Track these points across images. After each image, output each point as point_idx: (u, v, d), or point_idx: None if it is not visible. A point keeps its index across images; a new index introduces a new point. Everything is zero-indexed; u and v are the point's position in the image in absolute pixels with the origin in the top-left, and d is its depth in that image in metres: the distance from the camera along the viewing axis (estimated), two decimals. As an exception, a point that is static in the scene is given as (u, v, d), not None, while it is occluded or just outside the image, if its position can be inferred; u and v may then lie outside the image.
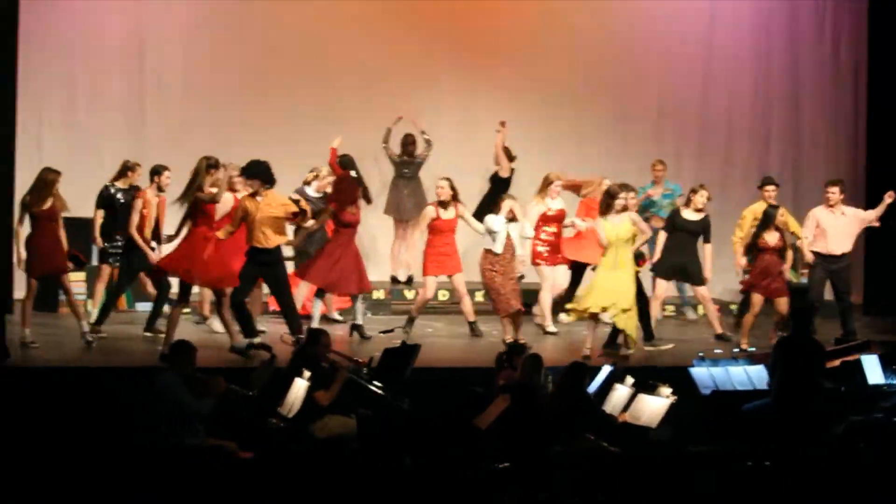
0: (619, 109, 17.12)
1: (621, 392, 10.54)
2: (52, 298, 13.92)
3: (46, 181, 12.22)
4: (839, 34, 17.46)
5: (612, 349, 12.61)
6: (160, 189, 12.97)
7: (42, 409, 10.23)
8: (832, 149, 17.45)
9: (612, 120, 17.10)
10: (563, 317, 14.37)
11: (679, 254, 13.62)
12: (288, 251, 13.68)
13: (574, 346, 12.93)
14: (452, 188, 13.46)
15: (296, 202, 12.36)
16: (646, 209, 15.05)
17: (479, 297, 14.48)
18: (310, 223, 13.17)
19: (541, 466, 9.46)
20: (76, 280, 13.40)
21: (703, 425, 10.55)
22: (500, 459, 9.46)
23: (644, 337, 13.00)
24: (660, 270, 13.70)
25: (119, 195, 13.43)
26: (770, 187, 14.25)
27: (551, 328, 13.95)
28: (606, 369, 10.96)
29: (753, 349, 12.83)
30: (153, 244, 12.82)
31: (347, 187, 13.35)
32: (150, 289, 13.48)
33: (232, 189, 12.74)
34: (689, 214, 13.66)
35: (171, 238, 12.73)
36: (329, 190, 13.84)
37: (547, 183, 14.01)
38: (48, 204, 12.19)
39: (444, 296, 15.14)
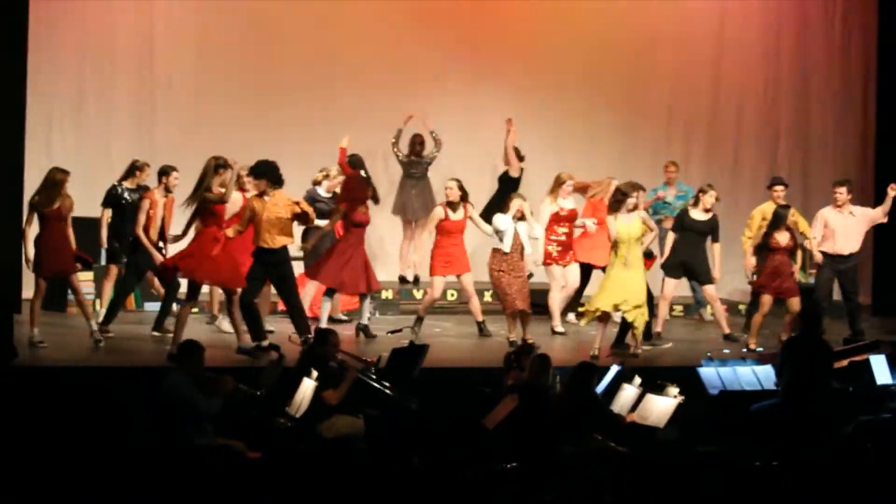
0: (628, 109, 17.12)
1: (629, 392, 10.55)
2: (61, 298, 13.95)
3: (55, 181, 12.23)
4: (849, 34, 17.44)
5: (620, 349, 12.60)
6: (168, 189, 12.98)
7: (50, 409, 10.24)
8: (841, 148, 17.44)
9: (622, 120, 17.09)
10: (571, 316, 14.38)
11: (688, 253, 13.61)
12: (295, 251, 13.71)
13: (582, 346, 12.92)
14: (461, 189, 13.46)
15: (296, 204, 12.32)
16: (658, 210, 15.04)
17: (488, 296, 14.48)
18: (324, 223, 13.17)
19: (549, 467, 9.46)
20: (84, 280, 13.41)
21: (711, 425, 10.55)
22: (508, 459, 9.46)
23: (643, 336, 12.99)
24: (668, 270, 13.70)
25: (126, 195, 13.44)
26: (779, 187, 14.26)
27: (559, 328, 13.94)
28: (614, 369, 10.96)
29: (762, 349, 12.83)
30: (160, 244, 12.82)
31: (358, 187, 13.36)
32: (158, 286, 13.50)
33: (242, 189, 12.77)
34: (697, 214, 13.65)
35: (177, 238, 12.74)
36: (338, 190, 13.83)
37: (559, 183, 14.01)
38: (57, 204, 12.20)
39: (452, 296, 15.15)
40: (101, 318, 12.95)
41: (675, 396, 10.36)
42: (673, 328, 14.34)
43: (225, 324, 13.09)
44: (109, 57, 15.76)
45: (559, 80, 16.82)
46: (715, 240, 13.70)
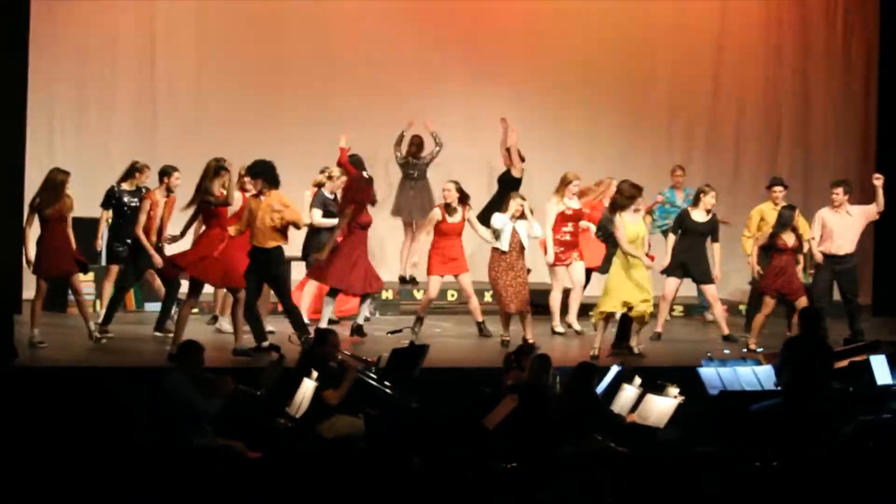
0: (628, 110, 17.13)
1: (629, 392, 10.55)
2: (61, 298, 13.96)
3: (56, 182, 12.23)
4: (849, 33, 17.45)
5: (620, 349, 12.60)
6: (169, 190, 12.97)
7: (50, 409, 10.24)
8: (842, 148, 17.44)
9: (622, 120, 17.10)
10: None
11: (688, 254, 13.61)
12: (294, 251, 13.74)
13: (582, 346, 12.92)
14: (460, 191, 13.45)
15: (278, 212, 12.27)
16: (670, 215, 15.00)
17: (488, 297, 14.48)
18: (329, 222, 13.12)
19: (549, 467, 9.45)
20: (85, 280, 13.41)
21: (711, 426, 10.54)
22: (508, 460, 9.46)
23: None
24: (669, 270, 13.70)
25: (125, 197, 13.45)
26: (778, 188, 14.28)
27: (559, 328, 13.95)
28: (614, 369, 10.96)
29: (762, 349, 12.82)
30: (159, 244, 12.82)
31: (364, 187, 13.32)
32: (159, 286, 13.49)
33: (242, 189, 12.78)
34: (697, 215, 13.66)
35: (174, 238, 12.73)
36: (339, 191, 13.79)
37: (565, 182, 13.99)
38: (58, 205, 12.21)
39: (452, 296, 15.15)
40: (100, 319, 12.95)
41: (676, 397, 10.36)
42: (674, 328, 14.36)
43: (225, 324, 13.10)
44: (110, 58, 15.77)
45: (559, 81, 16.83)
46: (715, 240, 13.71)
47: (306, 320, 13.18)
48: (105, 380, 10.85)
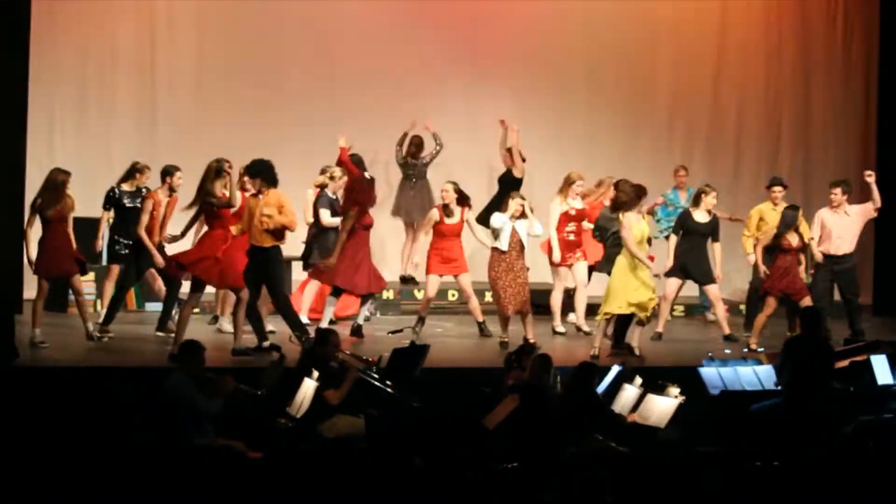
0: (628, 110, 17.13)
1: (630, 392, 10.54)
2: (62, 298, 13.96)
3: (57, 182, 12.23)
4: (850, 33, 17.45)
5: (620, 349, 12.60)
6: (172, 189, 12.97)
7: (51, 409, 10.24)
8: (842, 148, 17.44)
9: (622, 120, 17.10)
10: (571, 316, 14.40)
11: (690, 255, 13.62)
12: (294, 251, 13.75)
13: (584, 346, 12.91)
14: (458, 192, 13.44)
15: (268, 217, 12.26)
16: (671, 217, 15.01)
17: (489, 297, 14.48)
18: (342, 230, 13.08)
19: (550, 467, 9.45)
20: (86, 280, 13.40)
21: (712, 425, 10.54)
22: (509, 460, 9.46)
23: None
24: (672, 271, 13.68)
25: (125, 198, 13.45)
26: (777, 188, 14.29)
27: (560, 328, 13.95)
28: (615, 369, 10.96)
29: (763, 349, 12.83)
30: (161, 244, 12.82)
31: (365, 189, 13.29)
32: (160, 286, 13.49)
33: (242, 188, 12.77)
34: (699, 216, 13.66)
35: (174, 238, 12.71)
36: (341, 192, 13.76)
37: (569, 182, 13.99)
38: (59, 205, 12.21)
39: (453, 296, 15.16)
40: (101, 318, 12.96)
41: (676, 396, 10.35)
42: (675, 328, 14.35)
43: (226, 324, 13.10)
44: (111, 58, 15.78)
45: (559, 81, 16.83)
46: (715, 240, 13.72)
47: (305, 320, 13.18)
48: (105, 380, 10.85)
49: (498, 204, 14.40)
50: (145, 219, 12.67)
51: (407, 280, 15.28)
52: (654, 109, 17.23)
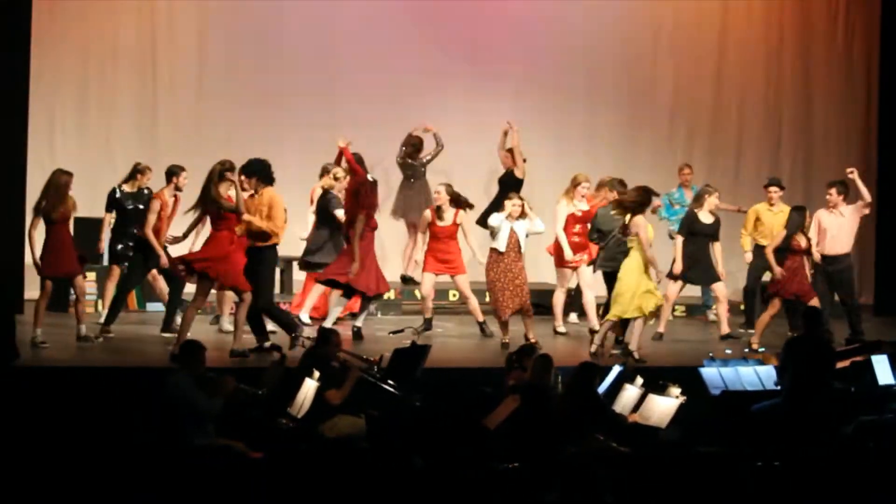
0: (629, 110, 17.12)
1: (631, 392, 10.54)
2: (63, 299, 13.94)
3: (60, 184, 12.21)
4: (851, 33, 17.45)
5: (620, 349, 12.59)
6: (178, 189, 12.96)
7: (52, 409, 10.25)
8: (843, 148, 17.42)
9: (623, 120, 17.10)
10: (573, 316, 14.41)
11: (695, 256, 13.63)
12: (294, 251, 13.74)
13: (584, 346, 12.90)
14: (451, 194, 13.42)
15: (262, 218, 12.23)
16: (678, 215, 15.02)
17: (489, 297, 14.47)
18: (355, 235, 13.04)
19: (550, 467, 9.45)
20: (87, 280, 13.40)
21: (713, 426, 10.54)
22: (510, 460, 9.46)
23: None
24: (682, 273, 13.68)
25: (128, 200, 13.45)
26: (773, 188, 14.30)
27: (561, 328, 13.95)
28: (616, 369, 10.96)
29: (763, 349, 12.83)
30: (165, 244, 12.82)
31: (371, 192, 13.27)
32: (162, 286, 13.49)
33: (243, 189, 12.75)
34: (704, 217, 13.69)
35: (176, 239, 12.68)
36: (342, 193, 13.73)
37: (575, 184, 13.96)
38: (62, 207, 12.21)
39: (454, 296, 15.15)
40: (102, 319, 12.97)
41: (677, 397, 10.35)
42: (676, 328, 14.35)
43: (227, 324, 13.09)
44: (112, 58, 15.78)
45: (560, 81, 16.83)
46: (716, 239, 13.75)
47: (307, 319, 13.19)
48: (105, 380, 10.84)
49: (498, 205, 14.38)
50: (152, 219, 12.65)
51: (407, 280, 15.27)
52: (655, 109, 17.23)
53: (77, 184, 12.49)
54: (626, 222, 12.42)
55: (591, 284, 13.97)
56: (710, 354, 12.01)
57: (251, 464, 9.36)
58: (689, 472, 9.64)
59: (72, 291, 12.66)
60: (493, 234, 13.10)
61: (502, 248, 13.03)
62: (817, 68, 17.44)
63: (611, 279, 12.78)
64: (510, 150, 15.39)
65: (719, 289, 13.80)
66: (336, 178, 13.77)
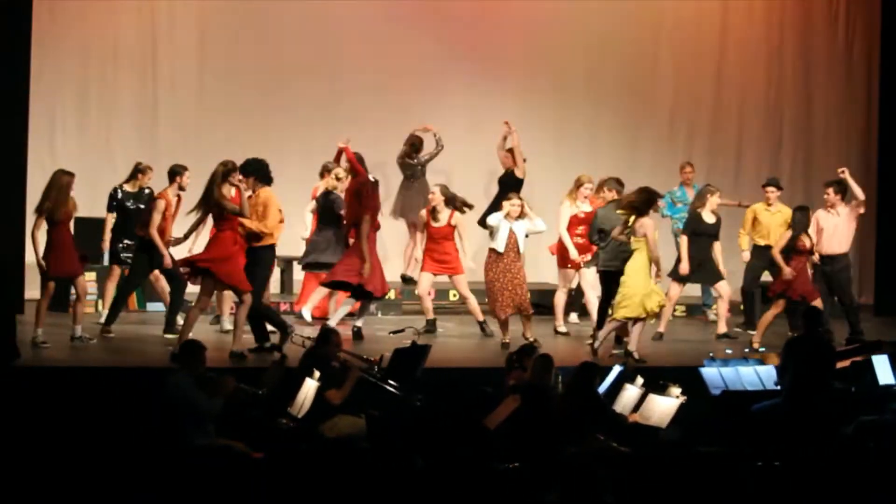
0: (630, 110, 17.12)
1: (631, 392, 10.54)
2: (64, 298, 13.94)
3: (62, 184, 12.20)
4: (852, 33, 17.45)
5: (620, 349, 12.59)
6: (181, 189, 12.96)
7: (52, 409, 10.25)
8: (844, 148, 17.42)
9: (623, 120, 17.10)
10: (573, 317, 14.40)
11: (701, 256, 13.64)
12: (294, 251, 13.73)
13: (585, 346, 12.90)
14: (446, 195, 13.40)
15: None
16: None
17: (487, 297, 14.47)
18: (363, 237, 13.04)
19: (551, 467, 9.45)
20: (88, 280, 13.39)
21: (713, 425, 10.54)
22: (510, 460, 9.46)
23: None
24: (689, 275, 13.69)
25: (129, 200, 13.44)
26: (770, 188, 14.29)
27: (562, 328, 13.94)
28: (617, 369, 10.96)
29: (764, 349, 12.83)
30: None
31: (373, 191, 13.27)
32: (164, 286, 13.49)
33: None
34: (708, 217, 13.72)
35: (178, 241, 12.65)
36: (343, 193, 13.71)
37: (578, 185, 13.95)
38: (66, 207, 12.21)
39: (454, 296, 15.13)
40: (103, 319, 12.97)
41: (678, 397, 10.35)
42: (676, 328, 14.35)
43: (228, 324, 13.08)
44: (112, 58, 15.78)
45: (560, 80, 16.83)
46: (716, 238, 13.79)
47: (309, 317, 13.19)
48: (106, 380, 10.84)
49: (498, 205, 14.36)
50: (157, 219, 12.64)
51: (407, 280, 15.27)
52: (656, 109, 17.23)
53: (77, 184, 12.48)
54: (632, 223, 12.39)
55: (595, 285, 13.92)
56: (711, 354, 12.03)
57: (251, 464, 9.36)
58: (690, 472, 9.63)
59: (72, 291, 12.63)
60: (492, 233, 13.09)
61: (500, 249, 13.02)
62: (818, 68, 17.44)
63: (610, 278, 12.72)
64: (510, 151, 15.37)
65: (723, 288, 13.82)
66: (338, 179, 13.74)
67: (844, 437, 10.32)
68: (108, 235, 13.55)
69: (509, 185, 14.90)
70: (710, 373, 11.08)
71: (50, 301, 12.36)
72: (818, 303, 13.05)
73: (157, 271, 13.13)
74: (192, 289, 12.60)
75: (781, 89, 17.45)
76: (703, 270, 13.72)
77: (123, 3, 15.77)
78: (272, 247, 12.44)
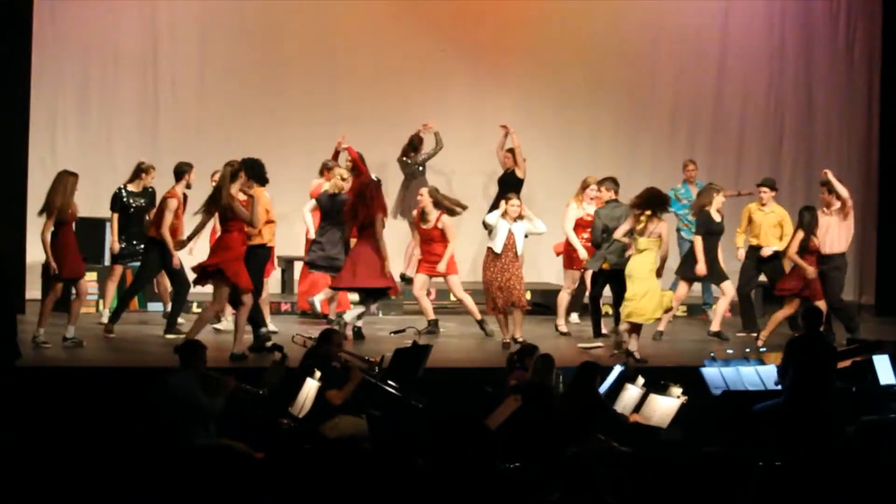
0: (631, 110, 17.10)
1: (632, 392, 10.53)
2: (65, 298, 13.93)
3: (68, 184, 12.19)
4: (853, 33, 17.42)
5: (621, 349, 12.59)
6: (187, 186, 12.96)
7: (53, 409, 10.24)
8: (845, 148, 17.40)
9: (624, 120, 17.08)
10: (574, 317, 14.40)
11: (709, 256, 13.64)
12: (296, 251, 13.72)
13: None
14: (434, 197, 13.36)
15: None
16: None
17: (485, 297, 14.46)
18: (380, 239, 13.07)
19: (552, 467, 9.44)
20: (88, 280, 13.38)
21: (714, 425, 10.54)
22: (512, 460, 9.45)
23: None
24: (688, 272, 13.69)
25: (133, 200, 13.44)
26: (764, 188, 14.23)
27: (564, 328, 13.93)
28: (618, 369, 10.96)
29: (764, 349, 12.82)
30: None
31: (378, 190, 13.27)
32: (166, 285, 13.48)
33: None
34: (716, 216, 13.71)
35: (182, 244, 12.60)
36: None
37: (584, 186, 13.92)
38: (72, 208, 12.21)
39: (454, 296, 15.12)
40: (104, 318, 12.96)
41: (679, 397, 10.35)
42: (676, 328, 14.35)
43: (225, 324, 13.06)
44: (113, 57, 15.76)
45: (561, 81, 16.81)
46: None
47: (319, 310, 13.18)
48: (106, 380, 10.84)
49: (499, 206, 14.38)
50: (169, 217, 12.63)
51: (407, 279, 15.27)
52: (656, 109, 17.21)
53: (78, 183, 12.47)
54: (645, 222, 12.35)
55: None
56: (712, 354, 12.01)
57: (252, 464, 9.35)
58: (691, 472, 9.63)
59: (73, 291, 12.62)
60: (490, 232, 13.08)
61: (498, 249, 13.00)
62: (819, 69, 17.41)
63: (620, 277, 12.69)
64: (511, 151, 15.37)
65: (728, 287, 13.82)
66: (343, 179, 13.72)
67: (846, 437, 10.32)
68: (115, 236, 13.51)
69: (510, 185, 14.90)
70: (711, 373, 11.08)
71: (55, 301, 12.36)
72: (821, 303, 13.05)
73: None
74: (193, 290, 12.63)
75: (782, 89, 17.43)
76: (711, 270, 13.71)
77: (124, 2, 15.75)
78: (263, 246, 12.41)
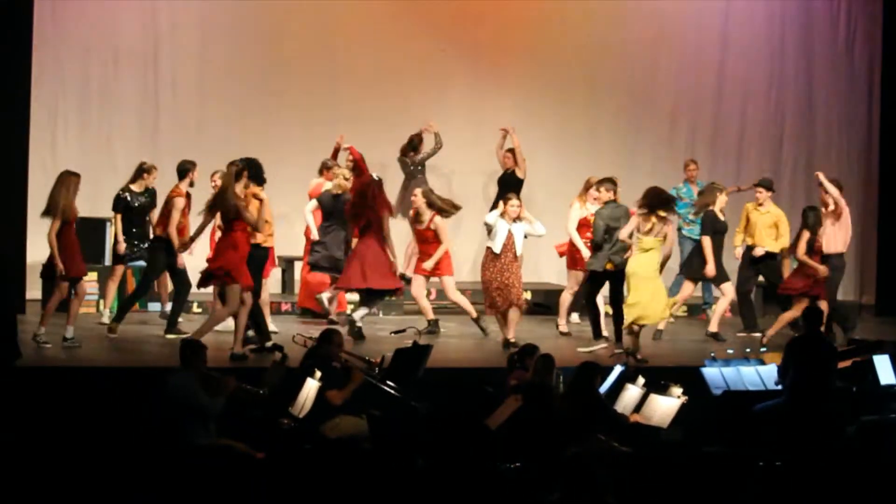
0: (631, 110, 17.09)
1: (633, 392, 10.53)
2: (64, 299, 13.93)
3: (70, 185, 12.18)
4: (853, 34, 17.42)
5: (621, 349, 12.58)
6: (191, 185, 12.96)
7: (53, 409, 10.24)
8: (845, 148, 17.40)
9: (625, 121, 17.07)
10: (574, 317, 14.39)
11: (714, 256, 13.66)
12: (293, 251, 13.71)
13: (585, 346, 12.89)
14: (428, 199, 13.36)
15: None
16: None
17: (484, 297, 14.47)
18: (387, 237, 13.08)
19: (552, 467, 9.44)
20: (88, 280, 13.38)
21: (715, 425, 10.54)
22: (512, 460, 9.45)
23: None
24: (694, 272, 13.69)
25: (136, 200, 13.43)
26: (760, 189, 14.21)
27: (565, 328, 13.93)
28: (618, 369, 10.96)
29: (765, 349, 12.82)
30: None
31: (381, 190, 13.27)
32: (167, 284, 13.47)
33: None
34: (720, 216, 13.71)
35: (185, 245, 12.59)
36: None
37: (587, 187, 13.90)
38: (75, 208, 12.21)
39: (455, 296, 15.13)
40: (104, 318, 12.95)
41: (679, 397, 10.35)
42: (677, 328, 14.34)
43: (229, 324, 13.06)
44: (113, 57, 15.75)
45: (562, 81, 16.80)
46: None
47: (326, 302, 13.18)
48: (106, 380, 10.84)
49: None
50: (177, 216, 12.63)
51: (407, 279, 15.26)
52: (657, 109, 17.20)
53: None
54: (655, 224, 12.35)
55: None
56: (712, 354, 12.01)
57: (252, 464, 9.35)
58: (691, 472, 9.62)
59: (72, 291, 12.60)
60: (490, 232, 13.08)
61: (497, 250, 12.99)
62: (819, 67, 17.41)
63: (622, 277, 12.70)
64: (511, 151, 15.37)
65: (728, 288, 13.82)
66: (346, 179, 13.71)
67: (847, 437, 10.31)
68: (121, 237, 13.48)
69: (510, 185, 14.91)
70: (711, 373, 11.08)
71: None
72: (824, 304, 13.05)
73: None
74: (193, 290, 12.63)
75: (782, 89, 17.42)
76: (716, 272, 13.72)
77: (125, 2, 15.75)
78: (258, 245, 12.40)
